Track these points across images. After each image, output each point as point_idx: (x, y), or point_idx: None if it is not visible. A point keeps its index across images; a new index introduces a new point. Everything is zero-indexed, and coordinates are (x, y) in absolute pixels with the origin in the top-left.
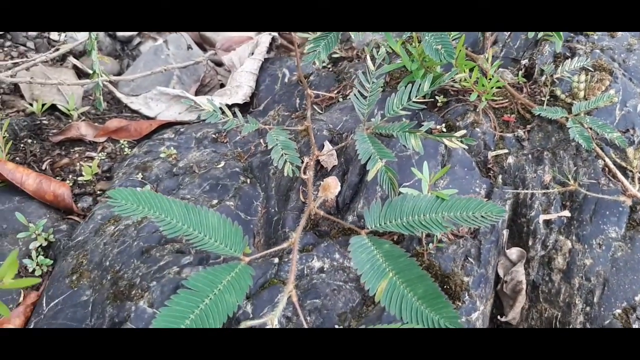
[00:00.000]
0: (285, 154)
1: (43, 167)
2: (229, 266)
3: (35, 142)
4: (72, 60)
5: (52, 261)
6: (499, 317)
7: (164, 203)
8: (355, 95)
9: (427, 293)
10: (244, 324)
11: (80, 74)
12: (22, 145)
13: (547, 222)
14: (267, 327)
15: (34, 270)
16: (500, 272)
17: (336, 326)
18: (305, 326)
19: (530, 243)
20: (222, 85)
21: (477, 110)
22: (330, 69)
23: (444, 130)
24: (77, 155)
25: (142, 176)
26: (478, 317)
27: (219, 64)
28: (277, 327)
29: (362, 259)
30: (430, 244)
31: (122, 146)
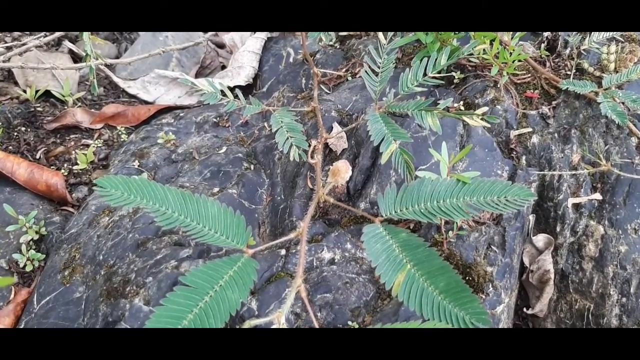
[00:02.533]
0: (291, 137)
1: (37, 156)
2: (230, 259)
3: (29, 130)
4: (67, 44)
5: (44, 255)
6: (524, 309)
7: (158, 191)
8: (366, 72)
9: (449, 286)
10: (248, 324)
11: (77, 58)
12: (15, 133)
13: (577, 206)
14: (274, 326)
15: (25, 266)
16: (526, 261)
17: (349, 322)
18: (316, 324)
19: (558, 229)
20: (223, 67)
21: (498, 86)
22: (338, 47)
23: (462, 108)
24: (72, 143)
25: (138, 163)
26: (503, 310)
27: (220, 45)
28: (285, 326)
29: (376, 250)
30: (450, 232)
31: (120, 133)
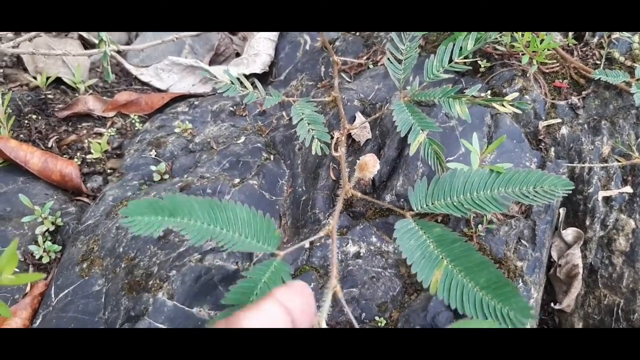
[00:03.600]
0: (313, 130)
1: (49, 145)
2: (263, 266)
3: (40, 117)
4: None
5: (60, 247)
6: (552, 304)
7: (185, 205)
8: (389, 59)
9: (490, 282)
10: None
11: (87, 44)
12: (26, 121)
13: (607, 199)
14: (315, 328)
15: (41, 257)
16: (554, 255)
17: (376, 317)
18: (355, 323)
19: (587, 223)
20: (237, 54)
21: (527, 75)
22: (357, 34)
23: (489, 97)
24: (85, 131)
25: (155, 153)
26: (532, 305)
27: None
28: (325, 327)
29: (410, 246)
30: (480, 226)
31: (133, 121)
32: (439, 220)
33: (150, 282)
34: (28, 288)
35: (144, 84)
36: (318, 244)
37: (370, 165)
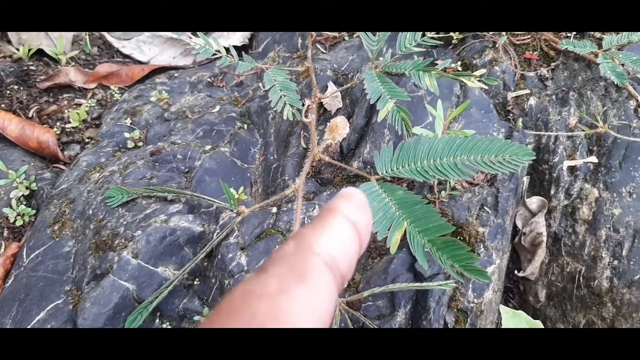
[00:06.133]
0: (285, 96)
1: (29, 115)
2: None
3: (22, 88)
4: None
5: (34, 211)
6: (515, 272)
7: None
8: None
9: (447, 243)
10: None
11: None
12: (7, 92)
13: (572, 169)
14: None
15: (15, 220)
16: (519, 224)
17: None
18: None
19: (552, 192)
20: None
21: (497, 46)
22: None
23: (460, 69)
24: (65, 102)
25: (130, 121)
26: (494, 271)
27: None
28: None
29: (373, 207)
30: (443, 192)
31: (113, 92)
32: (405, 187)
33: (116, 242)
34: (2, 250)
35: (125, 56)
36: (285, 208)
37: (340, 127)
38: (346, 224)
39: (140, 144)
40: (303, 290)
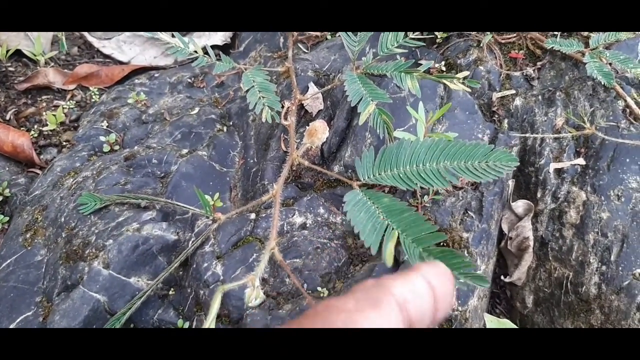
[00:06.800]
0: (263, 97)
1: (7, 117)
2: None
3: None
4: None
5: (7, 218)
6: (502, 277)
7: None
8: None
9: (445, 252)
10: (222, 289)
11: None
12: None
13: (559, 172)
14: (247, 290)
15: None
16: (505, 228)
17: (318, 288)
18: (296, 281)
19: (539, 195)
20: None
21: (481, 45)
22: None
23: (444, 69)
24: (44, 104)
25: (107, 124)
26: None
27: None
28: (260, 289)
29: (361, 219)
30: (426, 196)
31: (93, 94)
32: (387, 191)
33: (87, 251)
34: None
35: (106, 56)
36: (263, 214)
37: (320, 131)
38: (423, 282)
39: (117, 147)
40: (375, 313)
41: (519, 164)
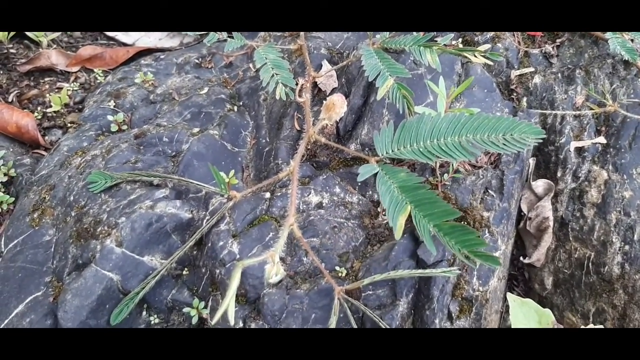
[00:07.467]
0: (277, 74)
1: (9, 99)
2: None
3: (1, 72)
4: None
5: (13, 198)
6: (520, 258)
7: None
8: None
9: (455, 229)
10: (241, 264)
11: None
12: None
13: (579, 150)
14: (267, 266)
15: None
16: (524, 208)
17: (337, 267)
18: (315, 258)
19: (559, 174)
20: None
21: None
22: None
23: (461, 46)
24: (47, 86)
25: (114, 104)
26: (499, 257)
27: None
28: (280, 265)
29: (382, 191)
30: (446, 175)
31: (97, 75)
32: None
33: (99, 229)
34: None
35: (110, 38)
36: (279, 193)
37: (338, 105)
38: None
39: (125, 127)
40: None
41: (545, 136)
